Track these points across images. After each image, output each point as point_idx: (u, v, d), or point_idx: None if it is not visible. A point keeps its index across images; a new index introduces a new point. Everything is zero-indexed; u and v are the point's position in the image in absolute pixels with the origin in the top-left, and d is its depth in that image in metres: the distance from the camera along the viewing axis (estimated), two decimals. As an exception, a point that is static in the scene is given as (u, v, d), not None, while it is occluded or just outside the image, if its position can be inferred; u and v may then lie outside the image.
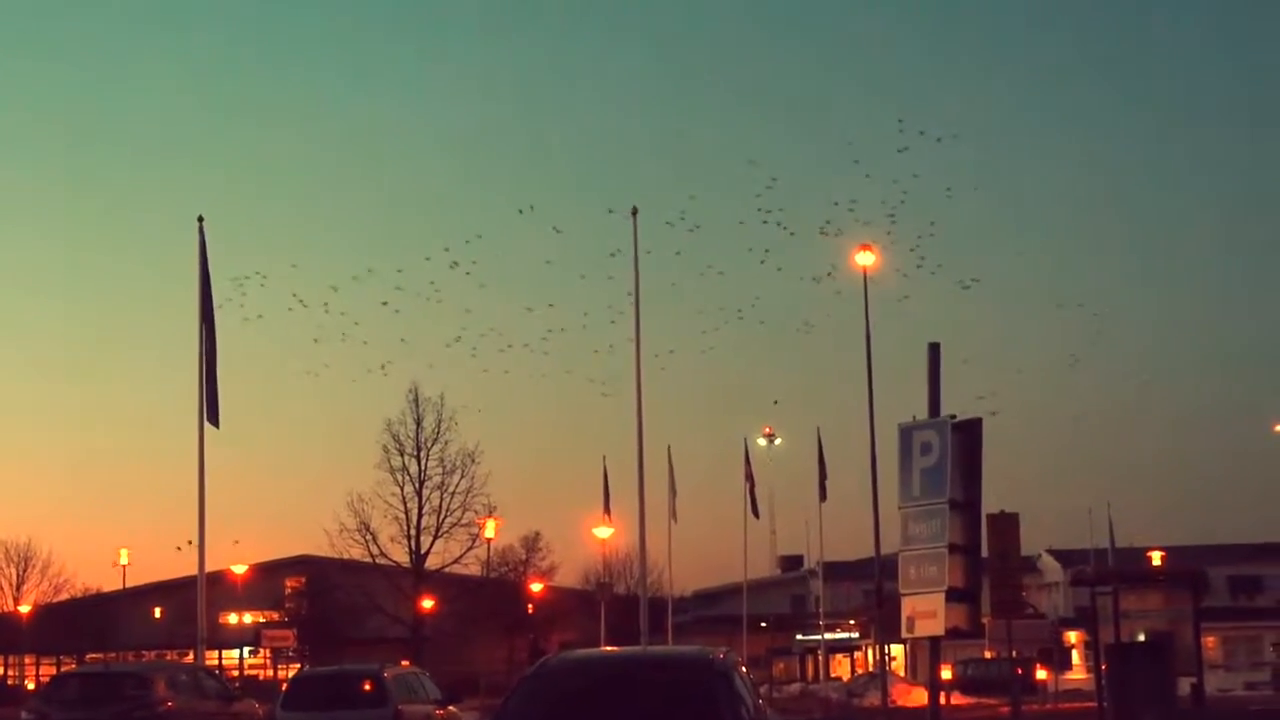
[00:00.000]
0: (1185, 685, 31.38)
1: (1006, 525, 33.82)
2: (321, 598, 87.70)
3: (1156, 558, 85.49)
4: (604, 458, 71.92)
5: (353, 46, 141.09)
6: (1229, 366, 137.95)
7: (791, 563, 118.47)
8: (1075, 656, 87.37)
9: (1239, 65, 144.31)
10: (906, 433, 17.80)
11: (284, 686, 33.46)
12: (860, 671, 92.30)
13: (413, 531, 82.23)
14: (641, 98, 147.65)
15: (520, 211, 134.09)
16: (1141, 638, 31.21)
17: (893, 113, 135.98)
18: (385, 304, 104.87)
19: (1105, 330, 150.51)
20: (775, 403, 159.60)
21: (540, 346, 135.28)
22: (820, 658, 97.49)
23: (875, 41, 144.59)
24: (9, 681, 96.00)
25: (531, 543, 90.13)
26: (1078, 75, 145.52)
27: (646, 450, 45.73)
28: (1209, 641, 72.33)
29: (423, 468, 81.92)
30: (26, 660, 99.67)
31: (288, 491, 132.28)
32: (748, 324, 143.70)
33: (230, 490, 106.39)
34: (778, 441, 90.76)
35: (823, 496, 72.80)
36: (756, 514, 77.67)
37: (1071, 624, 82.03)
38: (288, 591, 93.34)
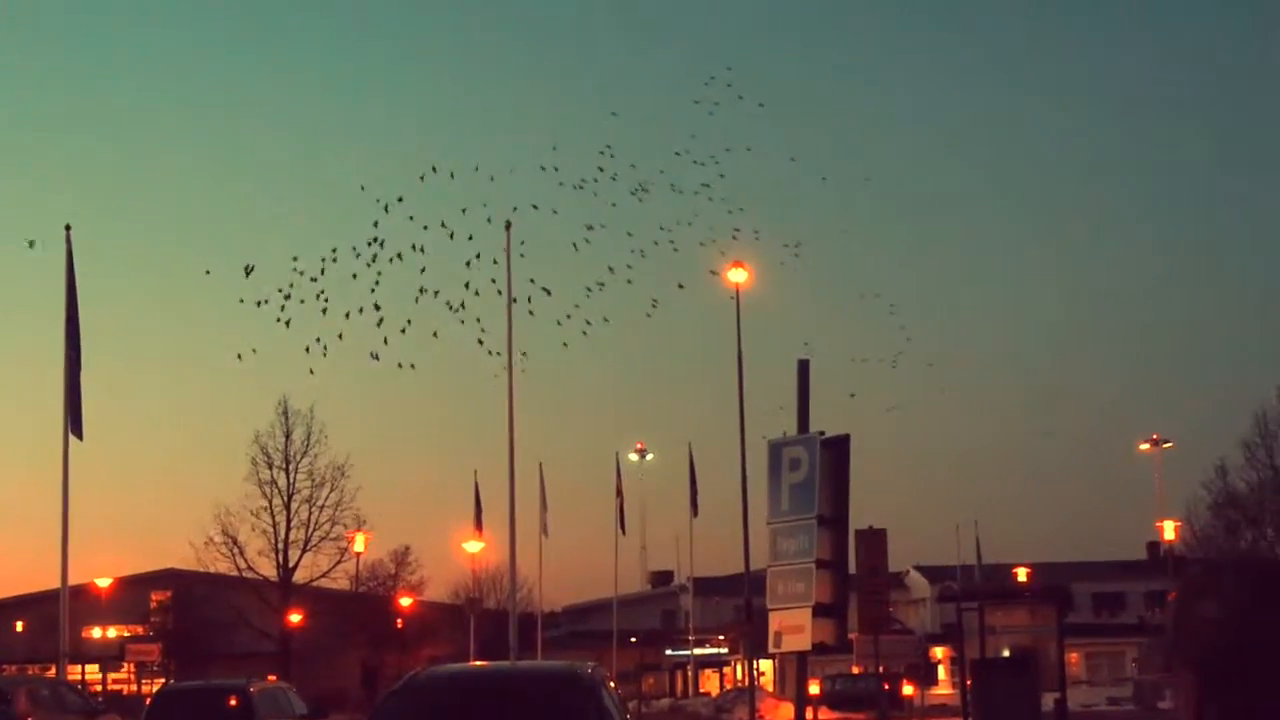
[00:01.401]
0: (1049, 700, 31.73)
1: (874, 541, 34.12)
2: (187, 612, 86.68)
3: (1022, 574, 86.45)
4: (475, 472, 71.82)
5: (164, 54, 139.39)
6: (1094, 387, 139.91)
7: (662, 578, 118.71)
8: (942, 672, 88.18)
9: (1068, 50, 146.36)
10: (776, 449, 17.89)
11: (148, 702, 33.03)
12: (729, 687, 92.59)
13: (281, 545, 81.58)
14: (515, 113, 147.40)
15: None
16: (1006, 653, 31.52)
17: (784, 141, 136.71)
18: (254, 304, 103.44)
19: (972, 351, 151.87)
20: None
21: (411, 359, 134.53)
22: (690, 673, 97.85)
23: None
24: None
25: (401, 557, 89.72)
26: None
27: (518, 465, 45.71)
28: (1073, 657, 73.37)
29: (292, 481, 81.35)
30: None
31: (154, 504, 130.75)
32: (621, 339, 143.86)
33: (95, 502, 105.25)
34: (649, 457, 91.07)
35: (694, 512, 73.13)
36: (624, 530, 77.81)
37: (938, 640, 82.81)
38: (153, 605, 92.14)
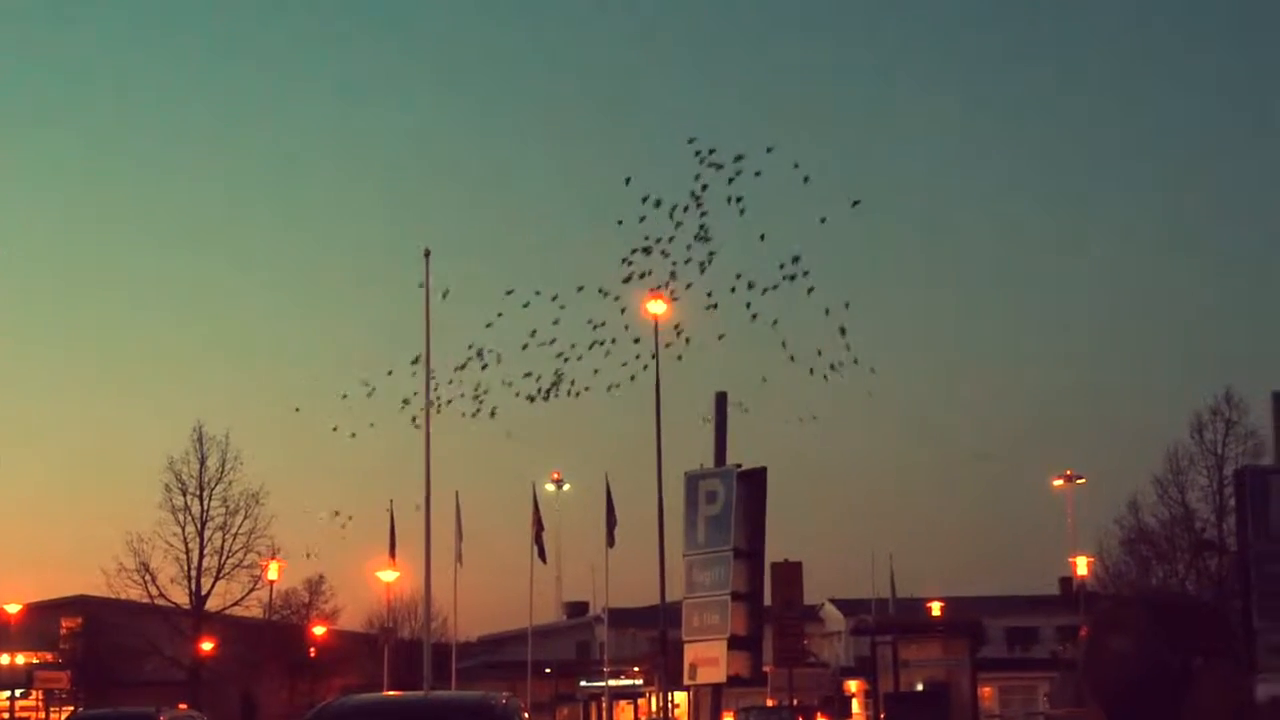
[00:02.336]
0: (961, 734, 31.87)
1: (790, 574, 34.22)
2: (98, 639, 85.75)
3: (936, 608, 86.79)
4: (391, 501, 71.45)
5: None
6: (1009, 423, 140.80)
7: (577, 609, 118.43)
8: (856, 705, 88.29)
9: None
10: (693, 481, 17.89)
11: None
12: (644, 718, 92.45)
13: (193, 572, 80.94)
14: (436, 142, 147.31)
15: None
16: (920, 687, 31.63)
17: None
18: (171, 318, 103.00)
19: (886, 385, 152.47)
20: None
21: (329, 388, 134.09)
22: (604, 704, 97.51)
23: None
24: None
25: (315, 585, 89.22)
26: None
27: (434, 494, 45.51)
28: (985, 691, 73.58)
29: (205, 508, 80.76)
30: None
31: (65, 530, 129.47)
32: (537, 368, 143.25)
33: (5, 528, 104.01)
34: (566, 487, 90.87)
35: (610, 543, 72.97)
36: (544, 559, 77.58)
37: (853, 673, 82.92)
38: (63, 632, 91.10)
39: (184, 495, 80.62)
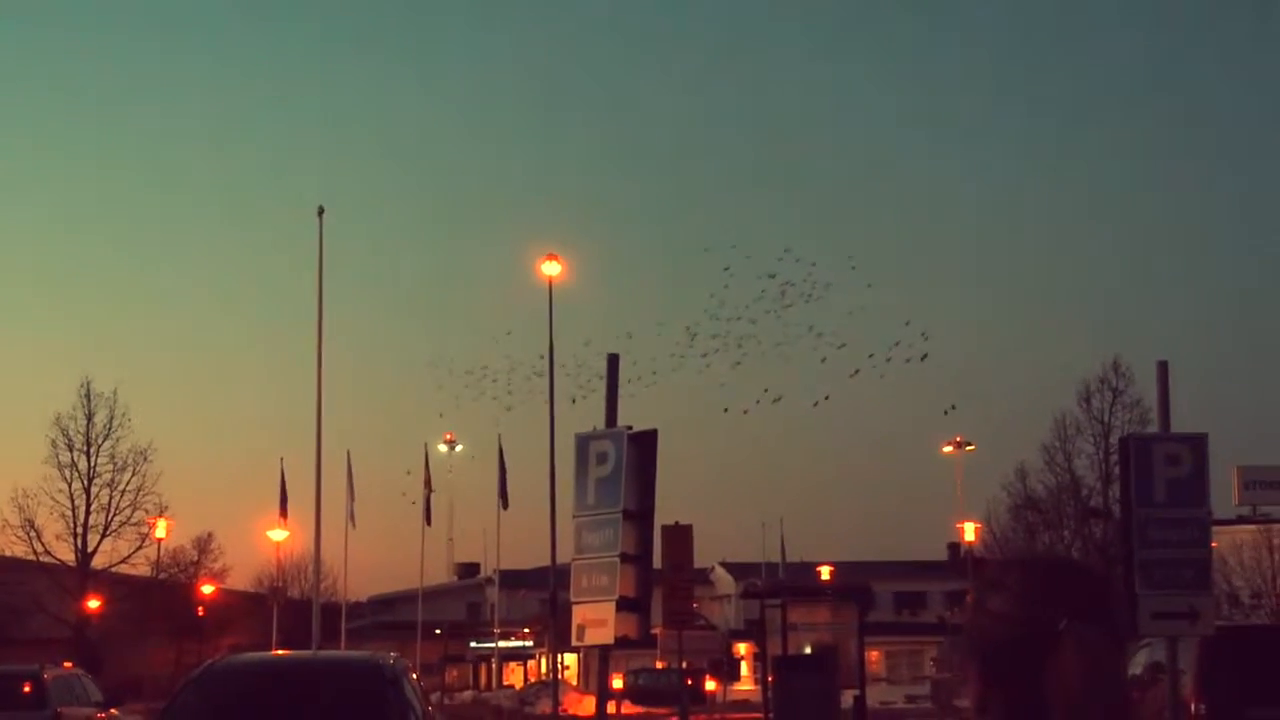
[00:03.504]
0: (848, 697, 32.12)
1: (680, 537, 34.26)
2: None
3: (825, 572, 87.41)
4: (281, 460, 71.09)
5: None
6: (897, 388, 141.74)
7: (469, 570, 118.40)
8: (745, 668, 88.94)
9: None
10: (584, 442, 17.90)
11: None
12: (533, 680, 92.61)
13: (80, 529, 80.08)
14: (323, 90, 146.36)
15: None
16: (808, 650, 31.85)
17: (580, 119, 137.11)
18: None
19: (782, 350, 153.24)
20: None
21: (225, 346, 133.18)
22: (494, 665, 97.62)
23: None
24: None
25: (204, 544, 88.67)
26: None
27: (326, 453, 45.34)
28: (873, 655, 74.38)
29: (92, 464, 79.89)
30: None
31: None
32: (432, 328, 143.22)
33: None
34: (459, 448, 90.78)
35: (503, 504, 72.98)
36: (430, 521, 77.41)
37: (742, 636, 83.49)
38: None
39: (70, 451, 79.76)
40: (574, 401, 54.02)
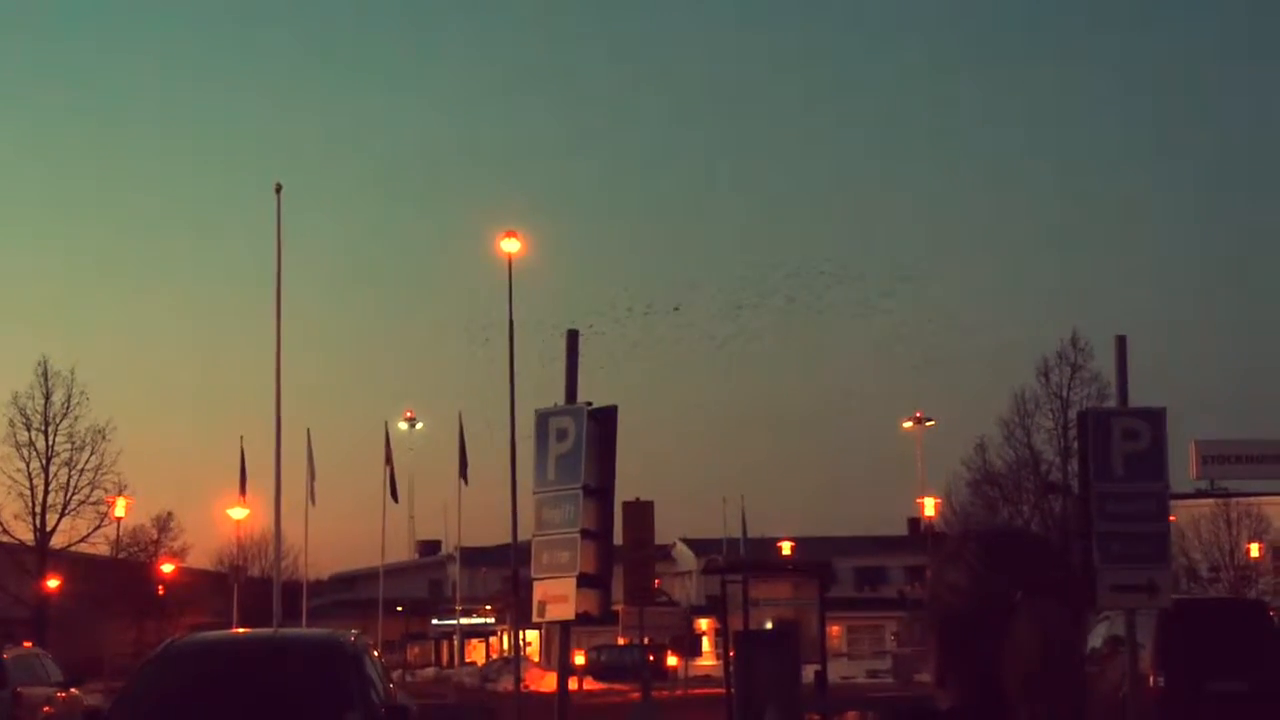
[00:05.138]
0: (810, 672, 32.18)
1: (641, 513, 34.34)
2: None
3: (786, 548, 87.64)
4: (241, 438, 70.96)
5: None
6: (859, 363, 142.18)
7: (430, 547, 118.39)
8: (706, 644, 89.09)
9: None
10: (543, 418, 17.89)
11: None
12: (495, 656, 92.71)
13: (38, 509, 79.72)
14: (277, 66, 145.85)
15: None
16: (769, 626, 31.89)
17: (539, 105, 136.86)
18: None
19: (741, 323, 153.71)
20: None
21: (181, 324, 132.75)
22: (456, 643, 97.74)
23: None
24: None
25: (164, 523, 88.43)
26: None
27: (285, 432, 45.24)
28: (834, 630, 74.62)
29: (51, 443, 79.51)
30: None
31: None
32: (392, 305, 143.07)
33: None
34: (419, 425, 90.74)
35: (464, 481, 72.95)
36: (396, 498, 77.41)
37: (703, 612, 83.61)
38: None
39: (29, 430, 79.35)
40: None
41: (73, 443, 79.61)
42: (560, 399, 18.10)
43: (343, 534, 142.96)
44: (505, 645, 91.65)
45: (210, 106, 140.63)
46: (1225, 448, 71.02)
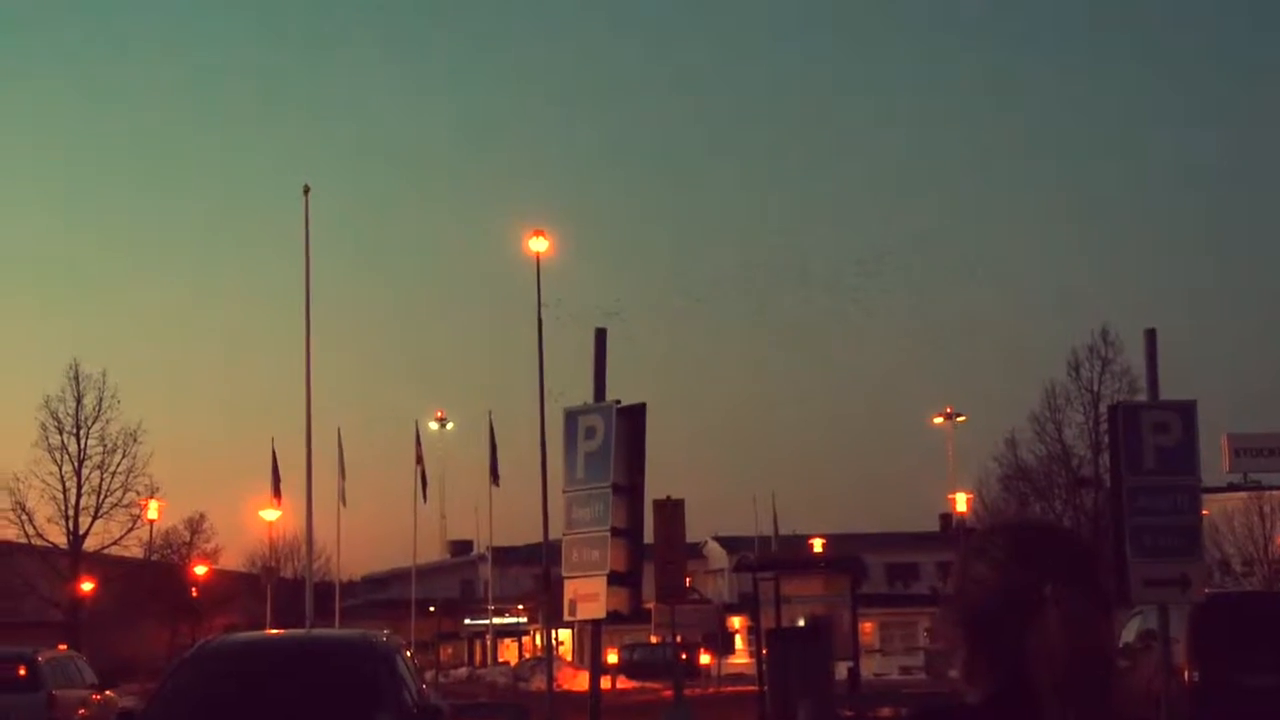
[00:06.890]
0: (842, 669, 32.13)
1: (672, 511, 34.22)
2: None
3: (818, 545, 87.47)
4: (272, 439, 71.14)
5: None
6: (889, 360, 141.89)
7: (461, 547, 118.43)
8: (739, 641, 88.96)
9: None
10: (572, 417, 17.89)
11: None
12: (528, 656, 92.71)
13: (71, 512, 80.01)
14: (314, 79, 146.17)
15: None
16: (801, 623, 31.84)
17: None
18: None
19: (767, 323, 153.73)
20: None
21: (211, 325, 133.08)
22: (488, 642, 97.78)
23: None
24: None
25: (196, 524, 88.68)
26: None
27: (316, 432, 45.33)
28: (866, 627, 74.45)
29: (83, 446, 79.78)
30: None
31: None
32: (423, 306, 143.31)
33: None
34: (449, 425, 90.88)
35: (494, 481, 73.03)
36: (425, 498, 77.54)
37: (735, 609, 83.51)
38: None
39: (60, 434, 79.64)
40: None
41: (104, 445, 79.91)
42: (589, 397, 18.11)
43: (374, 534, 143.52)
44: (538, 644, 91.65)
45: (242, 109, 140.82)
46: (1258, 441, 70.71)
